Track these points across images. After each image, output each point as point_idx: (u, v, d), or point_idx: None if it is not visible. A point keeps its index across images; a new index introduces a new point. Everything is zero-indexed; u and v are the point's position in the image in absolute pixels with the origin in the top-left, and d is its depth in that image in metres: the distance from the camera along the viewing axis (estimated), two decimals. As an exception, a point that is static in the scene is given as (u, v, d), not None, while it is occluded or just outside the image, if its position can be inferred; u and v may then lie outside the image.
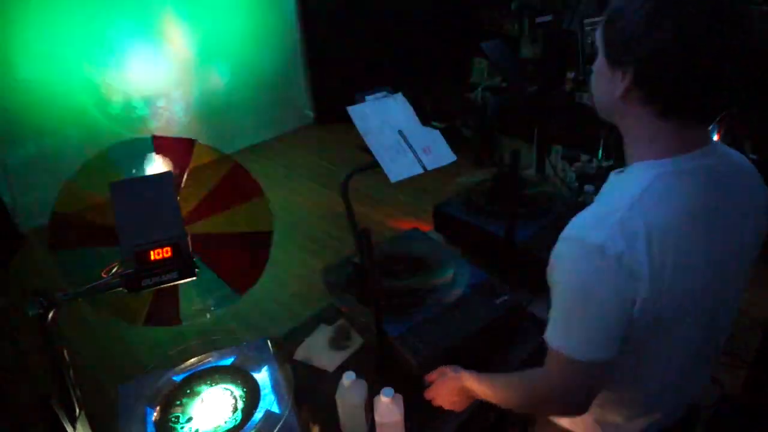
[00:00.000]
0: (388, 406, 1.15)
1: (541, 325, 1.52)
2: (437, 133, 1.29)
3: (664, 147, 0.86)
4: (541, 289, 1.60)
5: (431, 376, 1.26)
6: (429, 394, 1.26)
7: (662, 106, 0.84)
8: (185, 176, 1.25)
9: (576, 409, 0.97)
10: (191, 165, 1.28)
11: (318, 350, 1.49)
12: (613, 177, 0.96)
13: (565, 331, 0.91)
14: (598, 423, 1.09)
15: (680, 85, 0.81)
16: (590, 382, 0.92)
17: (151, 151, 1.25)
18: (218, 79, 4.78)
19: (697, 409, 1.19)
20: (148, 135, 1.28)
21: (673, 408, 1.08)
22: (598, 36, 0.91)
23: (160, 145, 1.28)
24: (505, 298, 1.41)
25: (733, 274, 0.95)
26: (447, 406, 1.24)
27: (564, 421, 1.17)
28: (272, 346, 1.37)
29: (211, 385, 1.27)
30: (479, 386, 1.14)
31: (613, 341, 0.88)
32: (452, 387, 1.20)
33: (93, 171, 1.25)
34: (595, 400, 0.98)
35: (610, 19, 0.86)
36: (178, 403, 1.23)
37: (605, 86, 0.90)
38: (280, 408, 1.20)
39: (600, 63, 0.91)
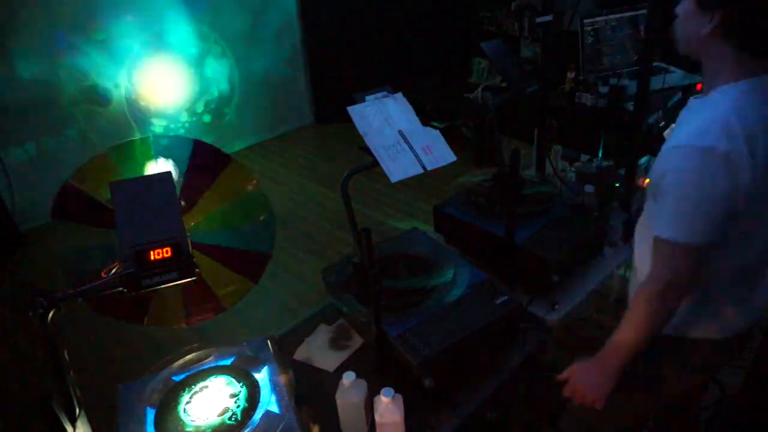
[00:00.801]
0: (388, 406, 1.15)
1: (541, 324, 1.54)
2: (437, 133, 1.29)
3: (740, 73, 1.09)
4: (541, 289, 1.62)
5: (563, 375, 1.32)
6: (568, 391, 1.30)
7: (743, 41, 1.05)
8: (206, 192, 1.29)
9: (686, 290, 1.16)
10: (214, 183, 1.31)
11: (318, 350, 1.49)
12: (695, 101, 1.18)
13: (680, 223, 1.09)
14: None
15: (760, 25, 1.03)
16: (697, 266, 1.12)
17: (187, 155, 1.29)
18: (218, 79, 4.78)
19: (757, 328, 1.37)
20: (190, 138, 1.30)
21: (749, 315, 1.28)
22: None
23: (197, 151, 1.30)
24: (505, 298, 1.42)
25: None
26: (590, 400, 1.26)
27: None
28: (272, 346, 1.37)
29: (211, 386, 1.27)
30: (611, 344, 1.23)
31: (720, 227, 1.07)
32: (595, 370, 1.25)
33: (129, 153, 1.28)
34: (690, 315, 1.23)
35: None
36: (177, 403, 1.23)
37: (692, 27, 1.10)
38: (280, 408, 1.20)
39: (687, 6, 1.11)
